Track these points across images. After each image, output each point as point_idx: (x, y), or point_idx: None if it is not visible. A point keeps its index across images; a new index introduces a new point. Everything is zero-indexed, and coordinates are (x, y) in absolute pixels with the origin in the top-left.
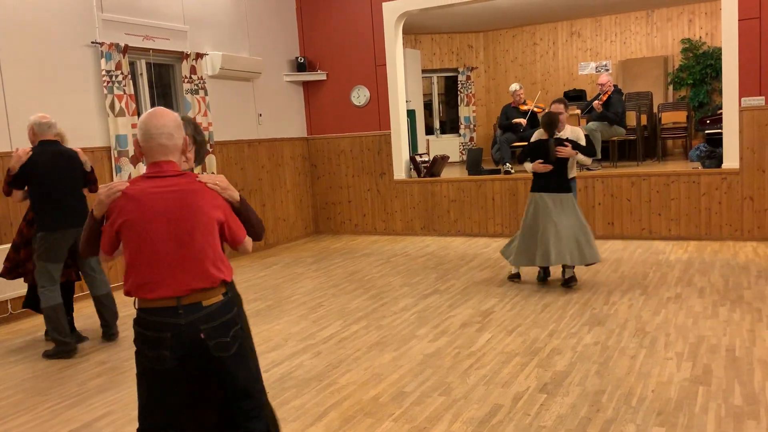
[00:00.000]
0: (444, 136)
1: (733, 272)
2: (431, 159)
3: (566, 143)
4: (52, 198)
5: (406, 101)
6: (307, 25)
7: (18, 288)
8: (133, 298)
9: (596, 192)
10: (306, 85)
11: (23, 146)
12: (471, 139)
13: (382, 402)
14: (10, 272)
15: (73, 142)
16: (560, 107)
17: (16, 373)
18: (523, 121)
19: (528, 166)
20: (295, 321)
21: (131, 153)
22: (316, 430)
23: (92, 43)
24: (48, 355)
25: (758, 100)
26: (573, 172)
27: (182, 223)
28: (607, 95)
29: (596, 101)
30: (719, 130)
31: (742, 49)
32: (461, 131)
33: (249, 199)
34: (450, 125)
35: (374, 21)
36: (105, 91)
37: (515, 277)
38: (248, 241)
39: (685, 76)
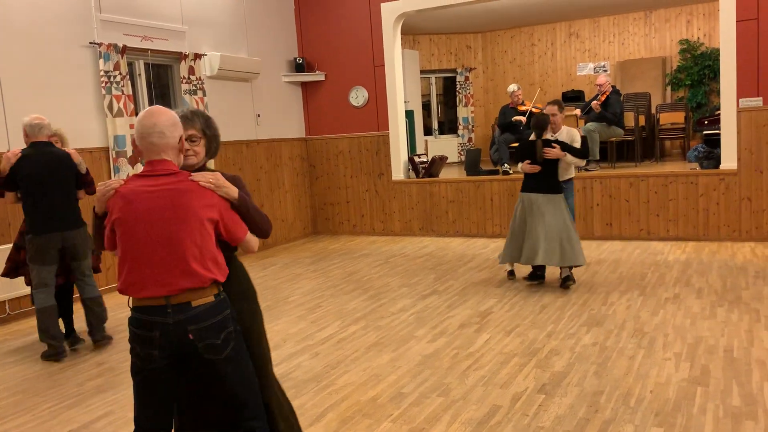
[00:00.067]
0: (442, 136)
1: (731, 273)
2: (430, 159)
3: (554, 144)
4: (39, 200)
5: (405, 102)
6: (306, 26)
7: (16, 289)
8: (128, 297)
9: (594, 193)
10: (304, 85)
11: (22, 147)
12: (469, 139)
13: (381, 403)
14: (12, 272)
15: (71, 143)
16: (554, 109)
17: (14, 374)
18: (522, 118)
19: (520, 166)
20: (294, 322)
21: (129, 153)
22: (315, 430)
23: (90, 43)
24: (43, 357)
25: (756, 101)
26: (569, 174)
27: (169, 222)
28: (605, 96)
29: (594, 102)
30: (717, 131)
31: (739, 50)
32: (459, 132)
33: None
34: (448, 126)
35: (372, 22)
36: (103, 92)
37: (510, 275)
38: (251, 239)
39: (683, 77)
